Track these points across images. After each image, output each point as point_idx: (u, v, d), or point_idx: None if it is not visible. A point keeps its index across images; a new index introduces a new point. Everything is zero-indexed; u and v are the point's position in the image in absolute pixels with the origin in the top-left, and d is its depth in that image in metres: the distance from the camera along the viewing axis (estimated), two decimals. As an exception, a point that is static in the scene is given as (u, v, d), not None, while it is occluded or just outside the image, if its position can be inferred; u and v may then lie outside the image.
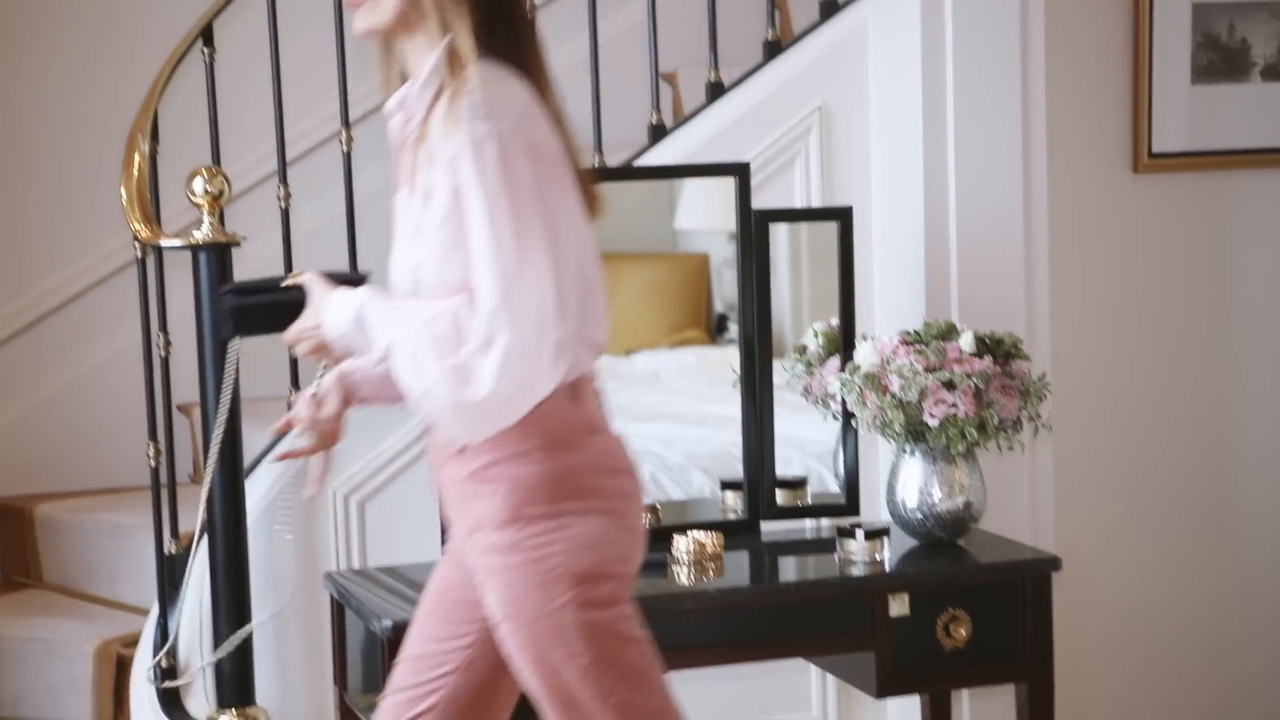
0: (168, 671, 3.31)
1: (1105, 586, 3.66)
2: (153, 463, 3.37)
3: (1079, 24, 3.56)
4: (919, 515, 3.08)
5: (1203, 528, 3.73)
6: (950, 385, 2.97)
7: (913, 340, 3.07)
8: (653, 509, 3.22)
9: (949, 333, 3.08)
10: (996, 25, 3.38)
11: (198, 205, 3.22)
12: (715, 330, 3.48)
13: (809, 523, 3.33)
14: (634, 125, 3.86)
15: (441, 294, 2.13)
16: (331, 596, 3.15)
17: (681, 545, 3.04)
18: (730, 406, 3.27)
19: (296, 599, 3.32)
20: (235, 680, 3.22)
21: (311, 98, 3.99)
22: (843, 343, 3.22)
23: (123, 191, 3.35)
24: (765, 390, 3.23)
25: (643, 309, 3.55)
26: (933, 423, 2.97)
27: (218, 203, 3.22)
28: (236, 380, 3.10)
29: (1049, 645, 3.02)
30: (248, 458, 3.27)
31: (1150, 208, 3.65)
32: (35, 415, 4.28)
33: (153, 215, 3.35)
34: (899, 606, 2.95)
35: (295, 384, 3.41)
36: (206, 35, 3.45)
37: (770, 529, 3.27)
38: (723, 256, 3.38)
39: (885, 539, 3.04)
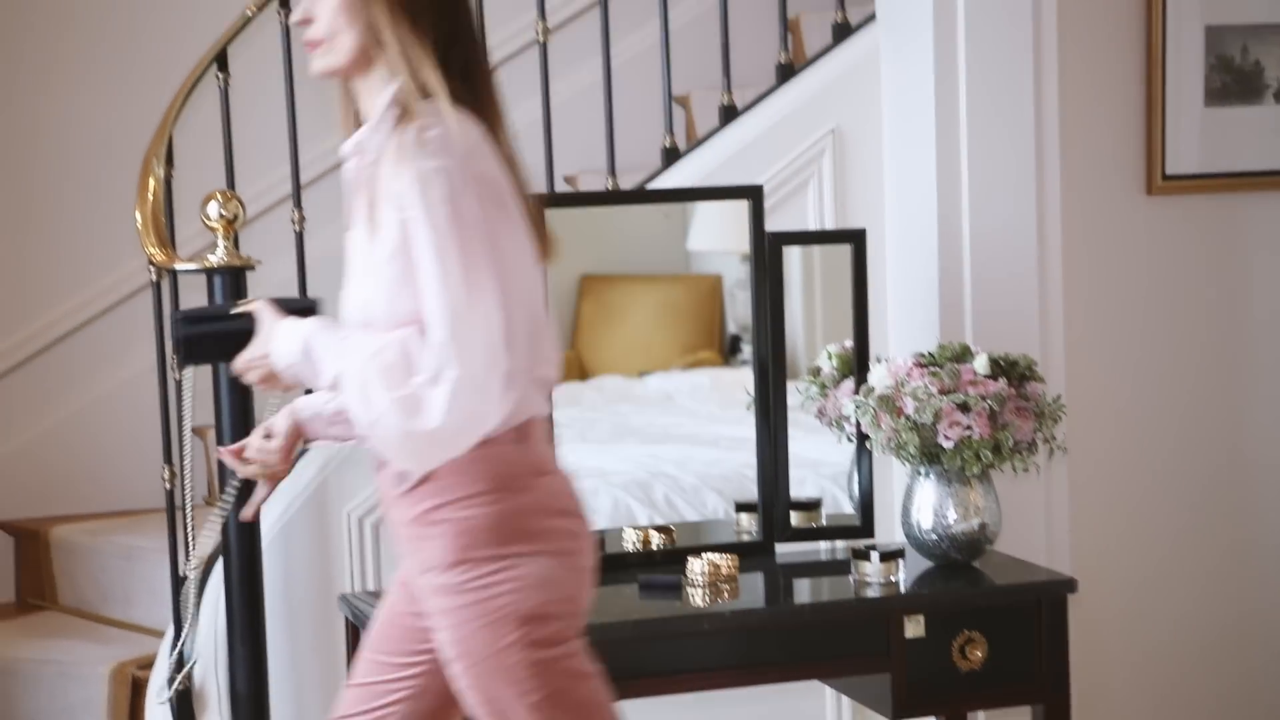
0: (183, 694, 3.31)
1: (1122, 608, 3.65)
2: (168, 485, 3.38)
3: (1092, 47, 3.56)
4: (934, 537, 3.08)
5: (1220, 548, 3.72)
6: (965, 407, 2.97)
7: (927, 362, 3.07)
8: (667, 530, 3.22)
9: (963, 355, 3.08)
10: (1009, 47, 3.39)
11: (212, 229, 3.24)
12: (728, 351, 3.48)
13: (823, 544, 3.33)
14: (647, 148, 3.88)
15: (392, 327, 2.14)
16: (346, 619, 3.15)
17: (696, 567, 3.04)
18: (744, 428, 3.27)
19: (311, 621, 3.32)
20: (250, 702, 3.22)
21: (325, 122, 3.99)
22: (857, 365, 3.22)
23: (138, 215, 3.37)
24: (780, 412, 3.23)
25: (656, 330, 3.56)
26: (947, 445, 2.97)
27: (232, 227, 3.24)
28: (247, 403, 3.11)
29: (1065, 667, 3.01)
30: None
31: (1164, 230, 3.65)
32: (51, 438, 4.29)
33: (168, 239, 3.37)
34: (914, 628, 2.94)
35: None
36: (221, 61, 3.47)
37: (785, 550, 3.27)
38: (736, 278, 3.39)
39: (900, 561, 3.03)
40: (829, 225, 3.52)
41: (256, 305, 2.29)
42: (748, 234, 3.23)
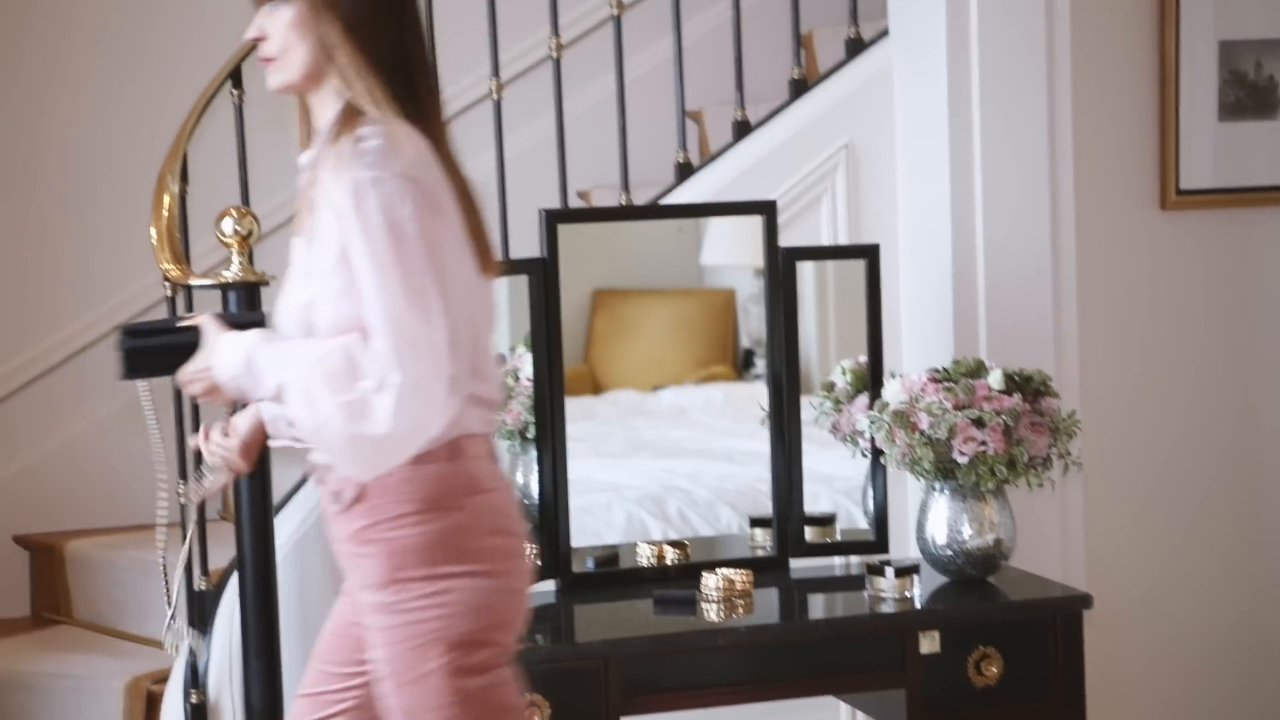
0: (198, 707, 3.32)
1: (1137, 623, 3.64)
2: (183, 500, 3.39)
3: (1105, 61, 3.57)
4: (949, 552, 3.08)
5: (1237, 563, 3.72)
6: (979, 423, 2.97)
7: (941, 378, 3.07)
8: (681, 545, 3.22)
9: (978, 370, 3.09)
10: (1022, 62, 3.39)
11: (227, 245, 3.25)
12: (741, 366, 3.48)
13: (838, 560, 3.33)
14: (661, 163, 3.89)
15: (334, 334, 2.16)
16: (361, 634, 3.15)
17: (711, 582, 3.04)
18: (757, 442, 3.28)
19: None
20: (265, 715, 3.22)
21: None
22: (871, 380, 3.22)
23: (152, 231, 3.38)
24: (794, 427, 3.23)
25: (669, 344, 3.56)
26: (962, 460, 2.97)
27: (247, 242, 3.25)
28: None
29: (1081, 683, 3.01)
30: (277, 495, 3.28)
31: (1177, 244, 3.65)
32: (67, 453, 4.30)
33: (182, 255, 3.38)
34: (929, 644, 2.94)
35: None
36: (235, 77, 3.48)
37: (799, 566, 3.27)
38: (749, 292, 3.39)
39: (915, 576, 3.03)
40: (842, 240, 3.52)
41: (202, 319, 2.31)
42: (761, 248, 3.24)
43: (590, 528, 3.24)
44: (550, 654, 2.84)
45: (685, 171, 3.59)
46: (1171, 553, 3.68)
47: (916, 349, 3.49)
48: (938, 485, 3.08)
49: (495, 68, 3.52)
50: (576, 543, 3.16)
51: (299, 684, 2.44)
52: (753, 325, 3.38)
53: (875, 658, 2.94)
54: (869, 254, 3.26)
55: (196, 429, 2.67)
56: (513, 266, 3.12)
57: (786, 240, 3.33)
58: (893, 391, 3.07)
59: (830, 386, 3.26)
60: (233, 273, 3.22)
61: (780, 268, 3.23)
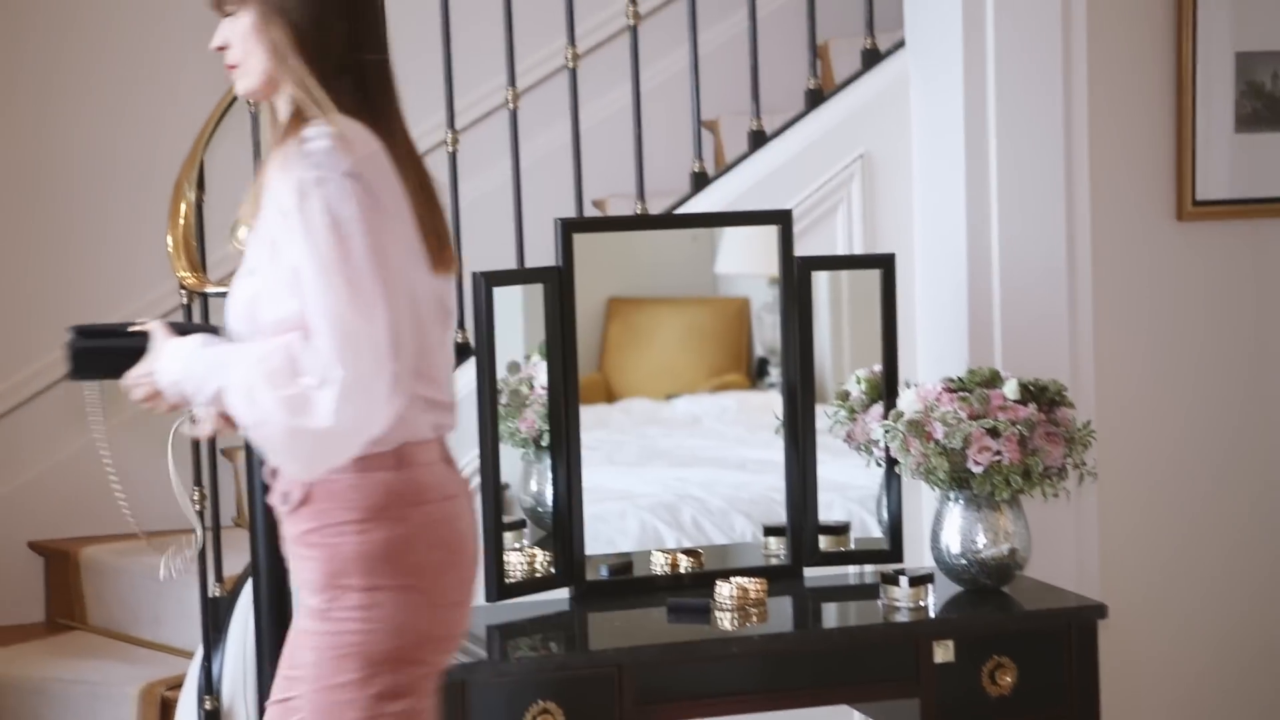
0: (211, 714, 3.32)
1: (1152, 634, 3.64)
2: (197, 506, 3.39)
3: (1122, 72, 3.57)
4: (963, 562, 3.08)
5: (1251, 574, 3.71)
6: (994, 433, 2.97)
7: (956, 387, 3.07)
8: (695, 553, 3.23)
9: (993, 380, 3.08)
10: (1039, 73, 3.39)
11: (242, 252, 3.25)
12: (755, 374, 3.48)
13: (852, 569, 3.33)
14: (676, 172, 3.89)
15: (278, 331, 2.17)
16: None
17: (725, 591, 3.04)
18: (771, 451, 3.28)
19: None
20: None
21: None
22: (886, 389, 3.22)
23: (169, 239, 3.39)
24: (808, 436, 3.23)
25: (683, 353, 3.56)
26: (977, 470, 2.97)
27: (264, 249, 3.25)
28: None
29: (1096, 693, 3.00)
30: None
31: (1194, 255, 3.65)
32: (81, 459, 4.30)
33: (199, 263, 3.39)
34: (944, 653, 2.94)
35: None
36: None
37: (813, 575, 3.26)
38: (763, 301, 3.39)
39: (929, 585, 3.03)
40: (858, 250, 3.52)
41: (151, 325, 2.33)
42: (775, 257, 3.24)
43: (604, 536, 3.24)
44: (564, 662, 2.84)
45: (701, 181, 3.60)
46: (1187, 563, 3.67)
47: (931, 358, 3.49)
48: (952, 495, 3.08)
49: (511, 76, 3.52)
50: (590, 551, 3.16)
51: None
52: (767, 334, 3.39)
53: (889, 667, 2.94)
54: (884, 264, 3.26)
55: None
56: (528, 275, 3.13)
57: (802, 250, 3.33)
58: (908, 401, 3.07)
59: (845, 395, 3.26)
60: (249, 280, 3.22)
61: (796, 277, 3.23)
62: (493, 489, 3.04)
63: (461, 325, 3.43)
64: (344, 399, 2.10)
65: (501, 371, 3.07)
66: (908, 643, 2.94)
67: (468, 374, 3.26)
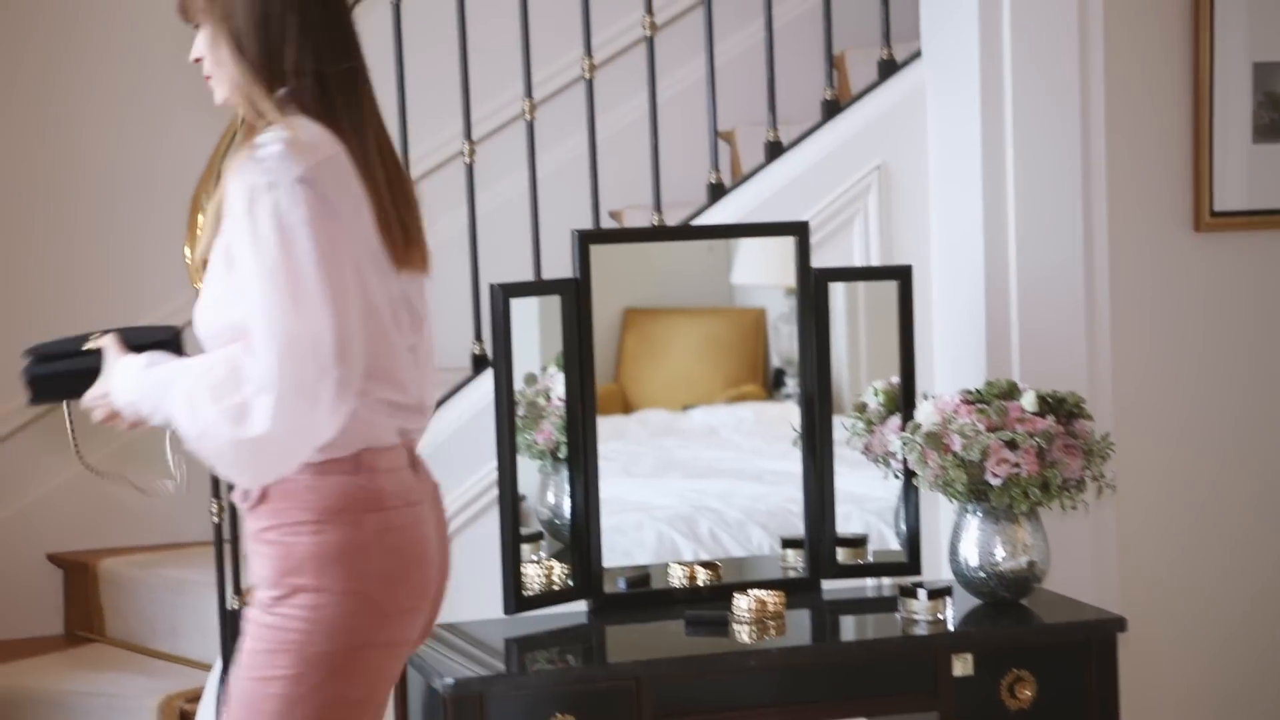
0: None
1: (1172, 646, 3.62)
2: (216, 519, 3.40)
3: (1139, 84, 3.56)
4: (982, 574, 3.07)
5: (1270, 586, 3.69)
6: (1013, 445, 2.97)
7: (974, 399, 3.06)
8: (713, 566, 3.22)
9: (1011, 392, 3.08)
10: (1056, 84, 3.39)
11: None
12: (772, 385, 3.48)
13: (870, 581, 3.32)
14: (693, 183, 3.89)
15: (227, 337, 2.18)
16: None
17: (743, 603, 3.04)
18: (788, 462, 3.27)
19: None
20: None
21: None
22: (903, 401, 3.22)
23: (187, 251, 3.40)
24: (826, 448, 3.23)
25: (699, 364, 3.56)
26: (995, 482, 2.97)
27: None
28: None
29: (1115, 706, 2.99)
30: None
31: (1212, 266, 3.64)
32: (99, 471, 4.32)
33: (218, 274, 3.39)
34: (962, 666, 2.93)
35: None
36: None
37: (831, 587, 3.26)
38: (779, 311, 3.39)
39: (948, 598, 3.02)
40: (875, 261, 3.52)
41: (104, 340, 2.33)
42: (792, 268, 3.24)
43: (621, 548, 3.24)
44: (582, 674, 2.84)
45: (717, 192, 3.59)
46: (1207, 574, 3.66)
47: (949, 370, 3.48)
48: (970, 507, 3.07)
49: (528, 87, 3.53)
50: (608, 563, 3.16)
51: None
52: (783, 344, 3.38)
53: (907, 680, 2.94)
54: (902, 275, 3.26)
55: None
56: (545, 287, 3.13)
57: (819, 261, 3.33)
58: (925, 413, 3.06)
59: (862, 407, 3.26)
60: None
61: (813, 289, 3.22)
62: (510, 501, 3.05)
63: (478, 337, 3.44)
64: (281, 404, 2.10)
65: (519, 383, 3.07)
66: (926, 656, 2.93)
67: (485, 386, 3.27)
